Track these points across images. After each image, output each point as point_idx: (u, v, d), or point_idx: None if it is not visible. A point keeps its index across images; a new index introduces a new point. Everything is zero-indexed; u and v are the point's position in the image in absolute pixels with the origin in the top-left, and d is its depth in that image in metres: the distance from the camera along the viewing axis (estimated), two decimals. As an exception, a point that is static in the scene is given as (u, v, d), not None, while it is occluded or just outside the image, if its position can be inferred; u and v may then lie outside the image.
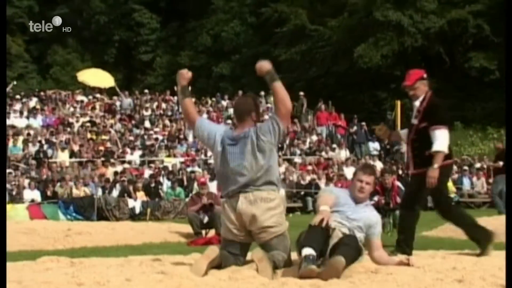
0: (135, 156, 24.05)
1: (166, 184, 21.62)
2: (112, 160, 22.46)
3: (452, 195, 23.45)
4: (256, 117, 6.08)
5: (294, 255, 6.05)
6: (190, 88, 6.28)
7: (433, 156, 7.18)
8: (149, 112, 29.44)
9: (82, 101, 30.17)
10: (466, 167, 25.29)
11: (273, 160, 5.94)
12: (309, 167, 23.89)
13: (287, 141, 26.56)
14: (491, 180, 23.63)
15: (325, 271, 5.39)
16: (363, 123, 29.57)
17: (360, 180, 6.33)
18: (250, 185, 5.86)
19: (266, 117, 5.97)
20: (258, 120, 6.10)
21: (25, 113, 26.62)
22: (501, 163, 16.67)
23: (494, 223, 10.02)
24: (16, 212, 18.05)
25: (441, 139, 7.18)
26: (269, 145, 5.88)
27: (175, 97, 32.32)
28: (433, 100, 7.41)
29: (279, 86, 5.87)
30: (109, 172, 21.61)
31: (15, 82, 36.25)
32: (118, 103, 30.18)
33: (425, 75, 7.47)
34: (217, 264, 5.81)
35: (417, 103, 7.38)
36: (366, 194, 6.35)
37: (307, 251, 5.53)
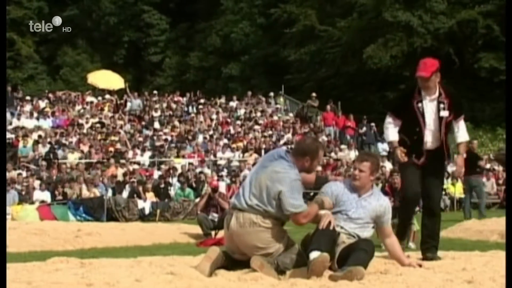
0: (144, 157, 24.08)
1: (175, 185, 21.64)
2: (122, 161, 22.48)
3: (462, 196, 23.45)
4: (308, 164, 5.98)
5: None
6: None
7: (459, 145, 7.24)
8: (158, 113, 29.47)
9: (91, 102, 30.22)
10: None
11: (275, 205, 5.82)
12: (319, 168, 23.84)
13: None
14: (501, 181, 23.66)
15: (342, 276, 5.36)
16: (372, 124, 29.51)
17: (354, 167, 6.28)
18: (245, 204, 5.81)
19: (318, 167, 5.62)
20: (308, 168, 6.02)
21: (35, 114, 26.68)
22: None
23: (504, 224, 9.98)
24: (26, 213, 18.12)
25: (465, 128, 7.27)
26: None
27: (184, 98, 32.39)
28: (452, 91, 7.27)
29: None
30: (119, 173, 21.64)
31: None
32: (128, 104, 30.20)
33: (439, 66, 7.09)
34: (221, 265, 5.81)
35: (435, 95, 7.05)
36: (362, 181, 6.14)
37: (316, 254, 5.48)
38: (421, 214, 7.53)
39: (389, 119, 7.28)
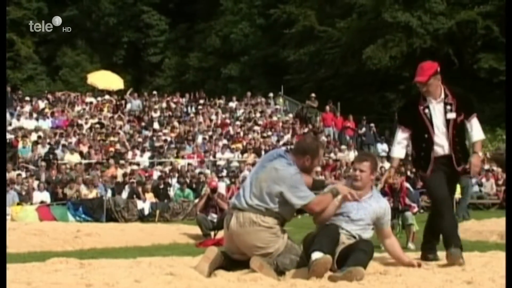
0: (144, 158, 24.07)
1: (175, 185, 21.62)
2: (121, 162, 22.48)
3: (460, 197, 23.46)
4: (308, 163, 5.99)
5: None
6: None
7: (474, 144, 7.04)
8: (158, 114, 29.45)
9: (91, 103, 30.22)
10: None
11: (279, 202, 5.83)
12: (318, 168, 23.80)
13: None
14: (500, 182, 23.62)
15: (342, 276, 5.36)
16: (372, 125, 29.53)
17: (354, 168, 6.28)
18: (245, 203, 5.82)
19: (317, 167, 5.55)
20: (309, 167, 6.02)
21: (35, 115, 26.67)
22: None
23: (504, 224, 9.98)
24: (25, 214, 18.12)
25: (479, 127, 7.09)
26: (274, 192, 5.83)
27: (184, 99, 32.37)
28: (459, 91, 7.08)
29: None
30: (118, 173, 21.63)
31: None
32: (128, 105, 30.18)
33: (438, 69, 6.89)
34: (220, 265, 5.81)
35: (441, 97, 6.87)
36: (363, 182, 6.16)
37: (318, 255, 5.48)
38: (421, 215, 7.50)
39: (398, 132, 7.10)
